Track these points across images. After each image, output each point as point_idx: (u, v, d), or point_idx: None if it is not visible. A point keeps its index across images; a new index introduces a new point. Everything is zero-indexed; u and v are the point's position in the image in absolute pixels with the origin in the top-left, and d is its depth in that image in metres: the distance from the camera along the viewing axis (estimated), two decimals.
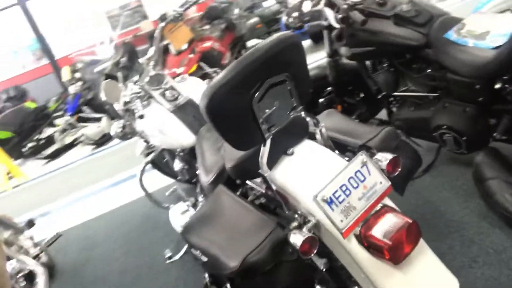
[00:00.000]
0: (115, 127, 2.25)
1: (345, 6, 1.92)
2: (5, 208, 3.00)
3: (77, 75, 5.97)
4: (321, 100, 2.74)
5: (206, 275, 1.32)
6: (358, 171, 1.01)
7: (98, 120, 5.90)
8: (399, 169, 1.09)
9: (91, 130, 5.77)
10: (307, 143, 1.21)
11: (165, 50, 6.90)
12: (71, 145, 6.19)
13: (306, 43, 6.49)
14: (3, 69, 10.54)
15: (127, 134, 2.27)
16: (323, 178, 1.02)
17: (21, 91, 10.05)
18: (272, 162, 1.16)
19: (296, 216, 1.11)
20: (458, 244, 1.62)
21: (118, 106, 2.05)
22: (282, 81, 1.04)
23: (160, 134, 1.95)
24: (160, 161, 2.68)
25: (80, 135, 5.89)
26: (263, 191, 1.32)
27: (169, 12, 2.14)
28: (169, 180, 2.94)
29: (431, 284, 1.01)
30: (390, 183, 1.04)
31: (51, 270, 2.54)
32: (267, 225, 1.10)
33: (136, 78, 2.12)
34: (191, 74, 6.04)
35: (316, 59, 5.55)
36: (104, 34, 10.41)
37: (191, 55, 5.95)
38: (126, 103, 1.90)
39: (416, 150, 1.29)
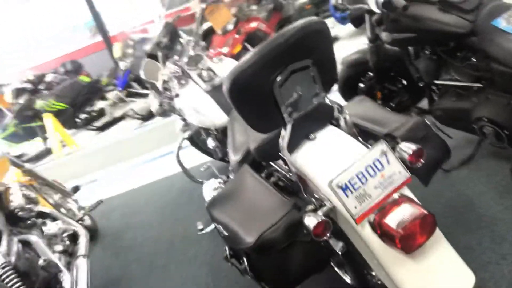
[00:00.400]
0: (155, 104, 2.35)
1: None
2: (57, 174, 3.25)
3: (128, 51, 6.20)
4: (361, 85, 2.70)
5: (227, 248, 1.38)
6: (377, 159, 1.02)
7: (145, 95, 6.12)
8: (423, 160, 1.08)
9: (139, 105, 6.01)
10: (330, 129, 1.22)
11: (212, 30, 6.99)
12: (120, 118, 6.51)
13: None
14: (63, 44, 11.16)
15: (166, 111, 2.37)
16: (342, 164, 1.03)
17: (77, 65, 10.61)
18: (294, 146, 1.19)
19: (313, 199, 1.13)
20: (488, 240, 1.57)
21: (158, 84, 2.14)
22: (305, 67, 1.06)
23: (195, 113, 2.02)
24: (197, 138, 2.77)
25: (129, 109, 6.17)
26: (285, 173, 1.35)
27: None
28: (205, 157, 3.04)
29: (445, 276, 1.01)
30: (409, 174, 1.04)
31: (94, 233, 2.75)
32: (284, 206, 1.14)
33: (176, 57, 2.19)
34: (235, 55, 6.11)
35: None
36: (155, 13, 10.69)
37: (237, 36, 5.97)
38: (164, 82, 1.98)
39: (444, 142, 1.26)
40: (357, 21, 2.31)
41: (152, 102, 5.92)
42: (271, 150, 1.23)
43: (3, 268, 1.45)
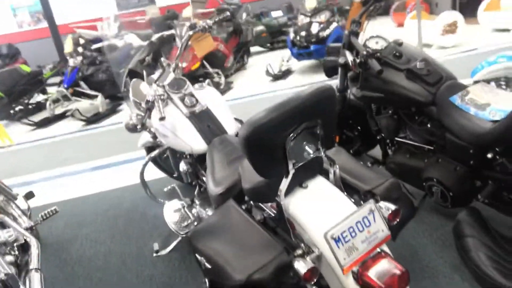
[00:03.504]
0: (128, 119, 2.33)
1: (365, 53, 2.08)
2: None
3: (80, 49, 5.96)
4: None
5: (206, 280, 1.43)
6: (365, 217, 1.16)
7: (92, 97, 5.91)
8: (398, 219, 1.24)
9: (84, 106, 5.77)
10: (320, 180, 1.35)
11: (171, 42, 6.96)
12: (61, 116, 6.17)
13: (310, 62, 6.71)
14: (0, 24, 10.35)
15: (136, 128, 2.35)
16: (332, 216, 1.17)
17: (14, 50, 9.89)
18: (288, 191, 1.29)
19: (302, 245, 1.24)
20: None
21: (142, 103, 2.14)
22: (314, 126, 1.18)
23: (172, 135, 2.04)
24: (160, 157, 2.77)
25: (73, 108, 5.88)
26: (272, 214, 1.44)
27: (199, 23, 2.24)
28: (160, 174, 3.03)
29: None
30: (389, 232, 1.19)
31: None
32: (274, 248, 1.22)
33: (155, 76, 2.21)
34: (193, 71, 6.14)
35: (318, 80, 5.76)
36: (108, 11, 10.38)
37: (195, 53, 6.03)
38: (148, 102, 1.99)
39: (413, 204, 1.45)
40: (330, 71, 2.51)
41: (103, 104, 5.71)
42: (265, 192, 1.33)
43: None
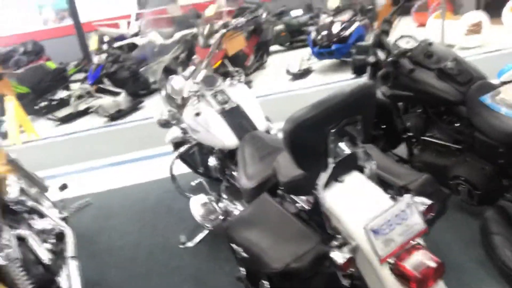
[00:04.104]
0: (161, 115, 2.41)
1: (397, 52, 2.10)
2: None
3: (104, 46, 6.09)
4: None
5: (242, 269, 1.48)
6: (403, 210, 1.19)
7: (116, 94, 6.03)
8: (433, 214, 1.27)
9: (107, 102, 5.89)
10: (355, 175, 1.38)
11: (194, 40, 7.03)
12: (83, 112, 6.32)
13: (331, 61, 6.72)
14: (26, 22, 10.61)
15: (168, 123, 2.42)
16: (370, 210, 1.20)
17: (38, 47, 10.12)
18: (325, 185, 1.33)
19: (339, 237, 1.28)
20: (455, 285, 1.80)
21: (178, 100, 2.21)
22: (355, 121, 1.22)
23: (204, 131, 2.10)
24: (187, 153, 2.82)
25: (96, 105, 6.01)
26: (305, 207, 1.49)
27: (232, 21, 2.30)
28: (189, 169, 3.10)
29: None
30: (426, 225, 1.22)
31: None
32: (311, 239, 1.27)
33: (187, 73, 2.27)
34: (213, 69, 6.21)
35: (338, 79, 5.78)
36: (130, 9, 10.54)
37: (217, 51, 6.10)
38: (183, 98, 2.05)
39: (446, 200, 1.47)
40: (358, 70, 2.54)
41: (126, 101, 5.82)
42: (301, 186, 1.37)
43: (12, 261, 1.43)
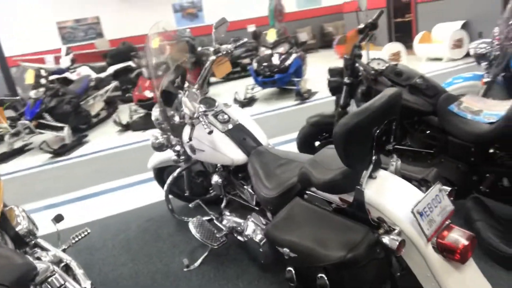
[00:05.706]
0: (154, 139, 2.42)
1: (374, 72, 2.41)
2: None
3: (42, 81, 5.78)
4: (317, 143, 3.19)
5: (290, 269, 1.56)
6: (437, 195, 1.41)
7: (57, 128, 5.71)
8: (452, 199, 1.51)
9: (50, 138, 5.54)
10: (383, 171, 1.58)
11: (139, 73, 7.03)
12: (20, 150, 5.85)
13: (272, 89, 7.11)
14: None
15: (163, 146, 2.45)
16: (405, 198, 1.40)
17: None
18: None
19: (384, 224, 1.45)
20: None
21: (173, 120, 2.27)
22: (392, 122, 1.43)
23: (210, 150, 2.17)
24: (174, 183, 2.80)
25: (34, 142, 5.61)
26: (341, 204, 1.63)
27: (222, 47, 2.45)
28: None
29: (477, 284, 1.41)
30: (454, 207, 1.44)
31: None
32: (360, 229, 1.42)
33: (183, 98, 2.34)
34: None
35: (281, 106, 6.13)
36: (56, 44, 10.13)
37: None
38: (190, 118, 2.11)
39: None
40: (335, 90, 2.82)
41: (70, 135, 5.51)
42: (340, 184, 1.52)
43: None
